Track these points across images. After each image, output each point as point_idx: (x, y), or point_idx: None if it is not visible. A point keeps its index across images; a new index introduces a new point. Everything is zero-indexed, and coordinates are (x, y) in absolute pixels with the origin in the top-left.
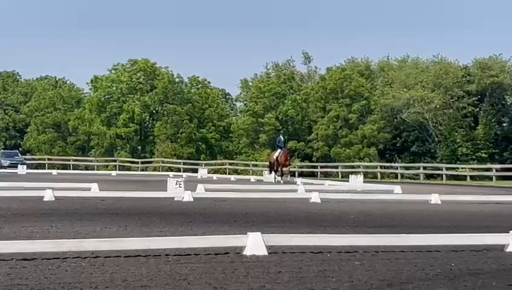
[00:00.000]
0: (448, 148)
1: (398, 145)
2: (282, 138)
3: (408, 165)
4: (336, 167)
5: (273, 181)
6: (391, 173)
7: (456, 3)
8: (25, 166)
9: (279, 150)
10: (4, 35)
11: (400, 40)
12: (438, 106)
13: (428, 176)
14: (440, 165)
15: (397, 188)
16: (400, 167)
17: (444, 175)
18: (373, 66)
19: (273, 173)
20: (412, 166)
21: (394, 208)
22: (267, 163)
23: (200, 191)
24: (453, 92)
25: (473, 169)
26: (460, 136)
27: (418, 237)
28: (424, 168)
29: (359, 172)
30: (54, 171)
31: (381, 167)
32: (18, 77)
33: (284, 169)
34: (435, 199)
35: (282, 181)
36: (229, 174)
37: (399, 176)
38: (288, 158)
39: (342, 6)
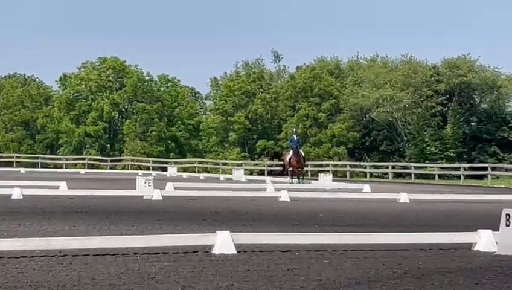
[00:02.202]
0: (417, 147)
1: (367, 144)
2: (294, 136)
3: (377, 164)
4: (306, 166)
5: (289, 182)
6: (360, 171)
7: (424, 3)
8: None
9: (291, 151)
10: None
11: (369, 40)
12: (406, 105)
13: (397, 175)
14: (409, 164)
15: (366, 187)
16: (369, 165)
17: (412, 174)
18: (342, 65)
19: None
20: (380, 165)
21: (363, 206)
22: (237, 161)
23: (170, 189)
24: (421, 92)
25: (442, 168)
26: (429, 136)
27: (386, 235)
28: (393, 167)
29: (328, 171)
30: (22, 170)
31: (350, 165)
32: None
33: (299, 170)
34: (403, 197)
35: (295, 183)
36: (198, 172)
37: (368, 175)
38: (301, 160)
39: (311, 5)
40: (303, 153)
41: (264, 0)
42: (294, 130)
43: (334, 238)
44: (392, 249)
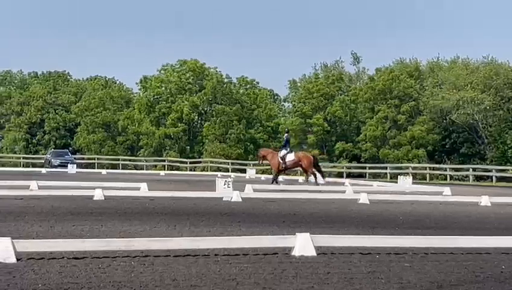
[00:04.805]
0: (498, 150)
1: (447, 146)
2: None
3: (457, 166)
4: (385, 168)
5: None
6: (440, 174)
7: (506, 4)
8: (75, 165)
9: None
10: (56, 36)
11: (450, 41)
12: (488, 107)
13: (478, 178)
14: (490, 167)
15: (446, 190)
16: (449, 168)
17: (493, 177)
18: (422, 67)
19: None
20: (461, 167)
21: (443, 209)
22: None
23: (249, 191)
24: (503, 94)
25: None
26: (511, 138)
27: (467, 239)
28: (474, 169)
29: (408, 173)
30: (104, 171)
31: (430, 168)
32: (69, 77)
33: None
34: (484, 201)
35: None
36: None
37: (448, 177)
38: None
39: (391, 6)
40: (281, 153)
41: (344, 2)
42: (286, 129)
43: (414, 241)
44: (474, 253)
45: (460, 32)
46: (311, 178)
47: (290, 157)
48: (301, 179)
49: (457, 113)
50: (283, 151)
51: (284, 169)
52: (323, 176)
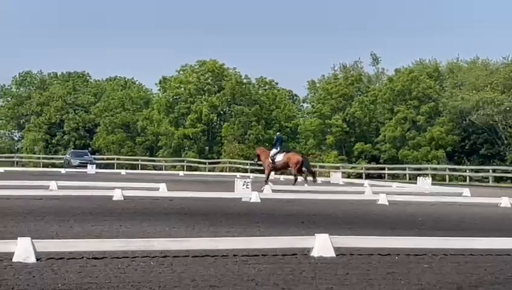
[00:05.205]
0: None
1: (466, 147)
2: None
3: (477, 167)
4: (404, 169)
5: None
6: (460, 175)
7: None
8: (94, 166)
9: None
10: (75, 36)
11: (470, 42)
12: (508, 108)
13: (498, 179)
14: (510, 168)
15: (466, 191)
16: (469, 169)
17: None
18: (442, 67)
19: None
20: (481, 169)
21: (463, 211)
22: (334, 164)
23: (267, 192)
24: None
25: None
26: None
27: (487, 240)
28: (494, 171)
29: (427, 174)
30: (123, 171)
31: (449, 169)
32: (88, 77)
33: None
34: (504, 202)
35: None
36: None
37: (468, 178)
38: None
39: (410, 7)
40: (271, 153)
41: (363, 2)
42: (278, 128)
43: (434, 242)
44: (494, 254)
45: (480, 32)
46: (307, 178)
47: (279, 157)
48: (320, 180)
49: (477, 114)
50: (273, 151)
51: (274, 169)
52: (314, 178)
